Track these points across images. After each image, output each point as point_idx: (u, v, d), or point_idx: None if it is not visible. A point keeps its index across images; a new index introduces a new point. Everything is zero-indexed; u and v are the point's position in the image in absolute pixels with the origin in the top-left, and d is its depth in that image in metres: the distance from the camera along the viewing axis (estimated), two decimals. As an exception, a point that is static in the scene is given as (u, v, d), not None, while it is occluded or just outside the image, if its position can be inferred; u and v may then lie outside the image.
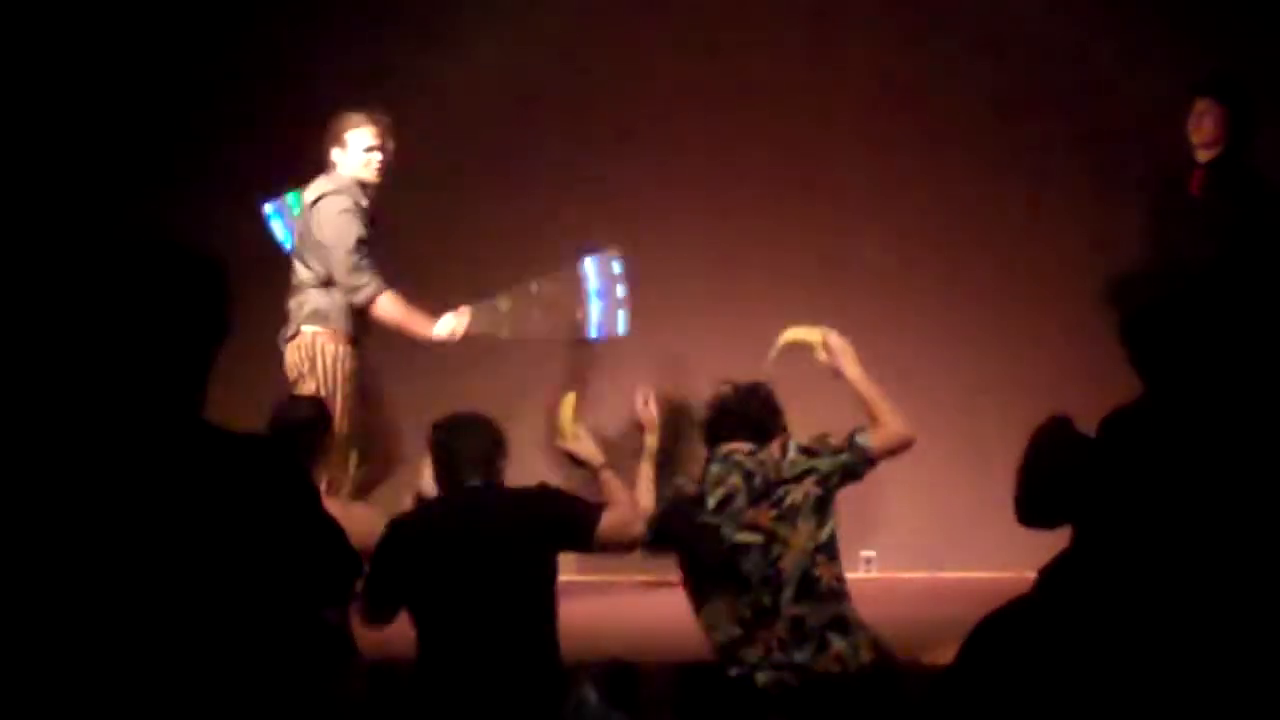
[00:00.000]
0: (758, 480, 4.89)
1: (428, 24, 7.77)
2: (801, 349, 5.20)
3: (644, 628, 6.26)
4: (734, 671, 4.81)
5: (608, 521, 4.74)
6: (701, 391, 7.62)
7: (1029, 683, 3.26)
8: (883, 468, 5.09)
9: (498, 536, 4.59)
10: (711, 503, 4.90)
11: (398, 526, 4.70)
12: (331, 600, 3.04)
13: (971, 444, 7.32)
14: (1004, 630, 3.38)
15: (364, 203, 6.44)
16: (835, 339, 5.16)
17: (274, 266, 6.60)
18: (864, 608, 4.97)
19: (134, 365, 2.69)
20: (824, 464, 4.93)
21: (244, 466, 2.72)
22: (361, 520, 4.69)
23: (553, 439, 5.21)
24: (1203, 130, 6.73)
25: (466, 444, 4.72)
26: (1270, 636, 3.13)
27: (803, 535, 4.85)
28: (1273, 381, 3.20)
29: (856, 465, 4.97)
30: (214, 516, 2.65)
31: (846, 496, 5.05)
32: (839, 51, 7.70)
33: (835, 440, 4.98)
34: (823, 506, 4.90)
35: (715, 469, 4.96)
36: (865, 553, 7.18)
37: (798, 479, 4.89)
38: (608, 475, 4.93)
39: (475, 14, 7.77)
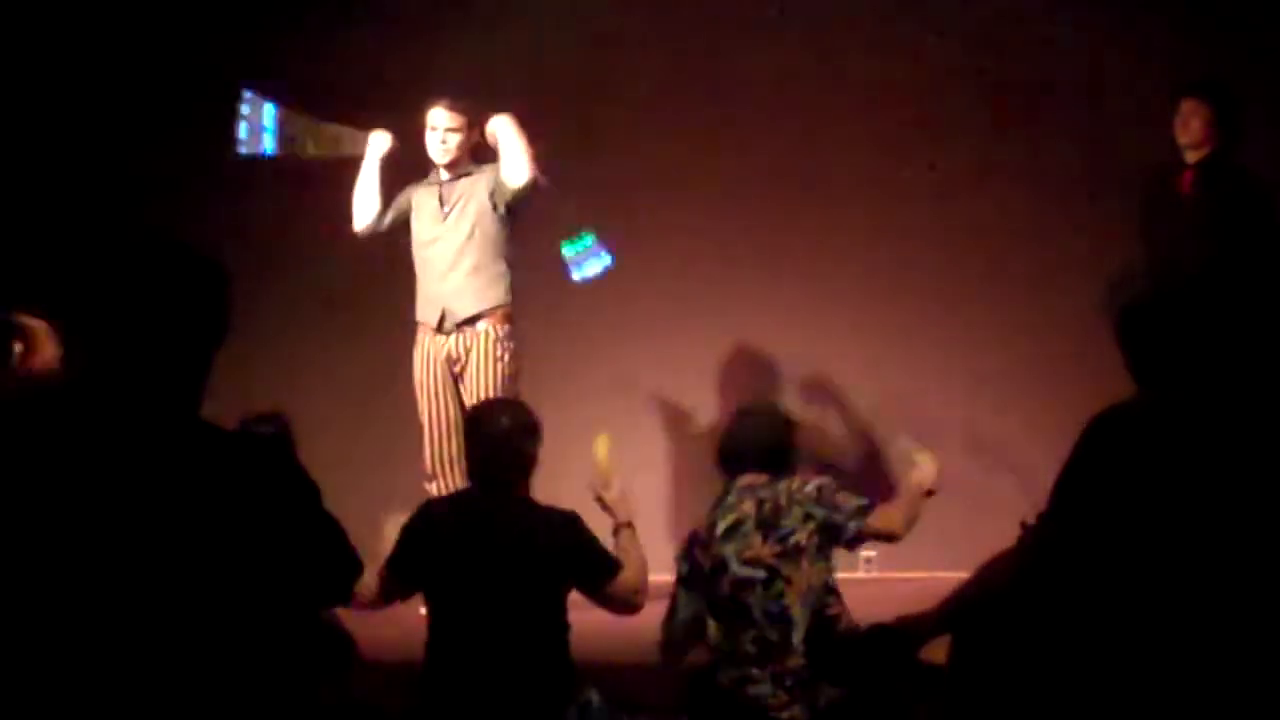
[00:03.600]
0: (767, 510, 4.75)
1: (425, 23, 7.78)
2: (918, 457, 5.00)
3: (643, 629, 6.25)
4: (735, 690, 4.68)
5: (622, 580, 4.72)
6: (699, 391, 7.71)
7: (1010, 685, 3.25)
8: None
9: (524, 549, 4.59)
10: (720, 528, 4.76)
11: (430, 510, 4.74)
12: (332, 600, 3.04)
13: (969, 444, 7.32)
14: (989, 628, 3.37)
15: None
16: (931, 468, 4.97)
17: (269, 266, 6.59)
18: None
19: (136, 364, 2.69)
20: (823, 515, 4.76)
21: (244, 466, 2.72)
22: None
23: (591, 480, 4.97)
24: (1190, 131, 6.75)
25: (499, 428, 4.71)
26: (1260, 638, 3.11)
27: (809, 575, 4.72)
28: (1267, 381, 3.18)
29: (843, 534, 4.79)
30: (213, 516, 2.65)
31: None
32: (838, 51, 7.70)
33: (844, 500, 4.79)
34: (828, 552, 4.77)
35: (729, 497, 4.82)
36: (865, 553, 7.17)
37: (803, 520, 4.74)
38: (628, 535, 4.80)
39: (471, 13, 7.78)
